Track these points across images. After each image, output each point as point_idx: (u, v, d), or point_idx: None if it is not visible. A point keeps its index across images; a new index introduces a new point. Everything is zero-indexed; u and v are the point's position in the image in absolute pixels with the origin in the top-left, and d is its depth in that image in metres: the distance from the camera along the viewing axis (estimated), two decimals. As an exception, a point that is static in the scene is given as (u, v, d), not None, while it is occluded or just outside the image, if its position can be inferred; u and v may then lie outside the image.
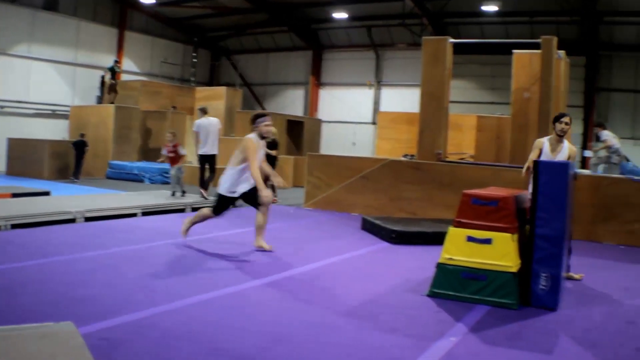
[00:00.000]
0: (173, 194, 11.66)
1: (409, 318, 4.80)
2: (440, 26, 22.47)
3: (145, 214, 9.94)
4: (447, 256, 5.45)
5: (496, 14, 21.14)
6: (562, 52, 11.76)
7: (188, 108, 21.80)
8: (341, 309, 4.93)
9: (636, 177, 9.86)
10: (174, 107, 21.10)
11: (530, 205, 5.52)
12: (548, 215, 5.33)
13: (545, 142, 6.63)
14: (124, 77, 23.28)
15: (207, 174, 12.03)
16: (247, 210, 7.36)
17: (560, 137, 6.54)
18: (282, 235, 8.30)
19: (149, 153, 19.52)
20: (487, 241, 5.30)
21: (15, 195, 10.56)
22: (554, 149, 6.55)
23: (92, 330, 3.96)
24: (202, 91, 23.27)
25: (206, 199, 11.58)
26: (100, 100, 21.22)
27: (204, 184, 11.90)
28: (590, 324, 4.91)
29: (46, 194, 11.40)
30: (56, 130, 21.14)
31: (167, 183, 14.96)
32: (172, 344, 3.87)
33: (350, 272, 6.45)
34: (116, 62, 21.85)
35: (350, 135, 26.00)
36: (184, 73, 27.41)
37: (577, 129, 19.86)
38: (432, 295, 5.45)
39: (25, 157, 17.60)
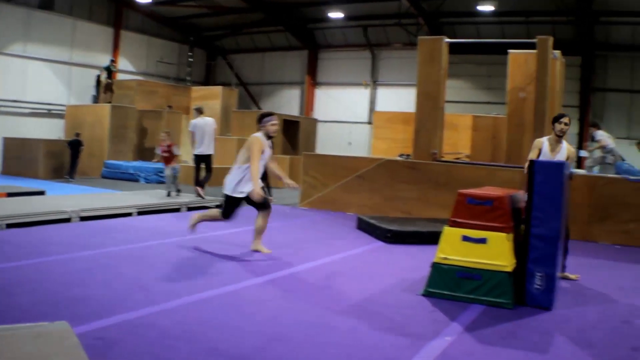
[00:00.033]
0: (169, 194, 11.64)
1: (404, 317, 4.80)
2: (436, 26, 22.49)
3: (140, 213, 9.92)
4: (442, 255, 5.46)
5: (492, 13, 21.15)
6: (557, 52, 11.79)
7: (184, 107, 21.78)
8: (337, 308, 4.93)
9: (632, 177, 9.88)
10: (170, 107, 21.07)
11: (525, 204, 5.54)
12: (543, 215, 5.34)
13: (544, 141, 6.64)
14: (120, 76, 23.23)
15: (202, 173, 12.01)
16: (246, 210, 7.33)
17: (560, 137, 6.56)
18: (277, 235, 8.30)
19: (144, 152, 19.51)
20: (482, 241, 5.32)
21: (10, 194, 10.54)
22: (553, 149, 6.57)
23: (87, 330, 3.95)
24: (198, 90, 23.26)
25: (203, 198, 11.58)
26: (95, 99, 21.17)
27: (200, 183, 11.88)
28: (585, 324, 4.92)
29: (41, 193, 11.38)
30: (52, 130, 21.10)
31: (163, 183, 14.95)
32: (168, 343, 3.87)
33: (346, 272, 6.45)
34: (112, 61, 21.82)
35: (346, 135, 26.01)
36: (180, 72, 27.39)
37: (572, 129, 19.81)
38: (427, 294, 5.45)
39: (21, 157, 17.56)
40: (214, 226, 8.38)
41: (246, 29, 27.13)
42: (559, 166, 5.50)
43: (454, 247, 5.43)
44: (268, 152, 7.01)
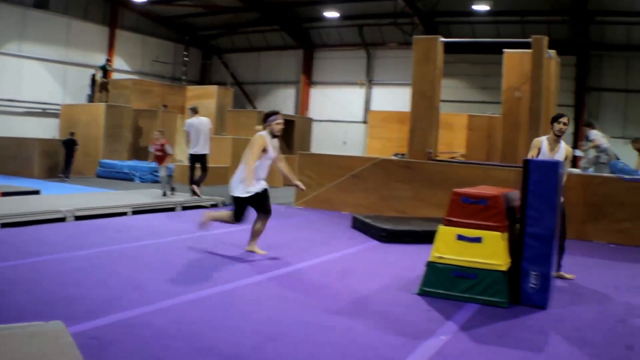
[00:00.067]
0: (164, 194, 11.61)
1: (399, 317, 4.81)
2: (431, 25, 22.51)
3: (135, 212, 9.90)
4: (437, 255, 5.47)
5: (487, 13, 21.20)
6: (552, 52, 11.81)
7: (179, 107, 21.74)
8: (332, 307, 4.93)
9: (626, 176, 9.91)
10: (165, 106, 21.04)
11: (520, 203, 5.55)
12: (538, 214, 5.36)
13: (543, 141, 6.67)
14: (115, 75, 23.19)
15: (198, 173, 11.98)
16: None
17: (558, 137, 6.60)
18: (273, 234, 8.28)
19: (139, 152, 19.45)
20: (477, 240, 5.32)
21: (5, 194, 10.49)
22: (552, 148, 6.60)
23: (83, 329, 3.94)
24: (193, 90, 23.23)
25: (199, 196, 11.56)
26: (91, 98, 21.13)
27: (195, 182, 11.85)
28: (580, 323, 4.94)
29: (36, 192, 11.34)
30: (47, 129, 21.04)
31: (158, 182, 14.91)
32: (164, 342, 3.86)
33: (341, 271, 6.45)
34: (107, 60, 21.77)
35: (341, 134, 26.02)
36: (175, 72, 27.35)
37: (568, 128, 19.90)
38: (422, 293, 5.46)
39: (16, 156, 17.50)
40: (211, 226, 8.36)
41: (241, 28, 27.10)
42: (553, 165, 5.51)
43: (449, 246, 5.43)
44: (273, 151, 6.88)
